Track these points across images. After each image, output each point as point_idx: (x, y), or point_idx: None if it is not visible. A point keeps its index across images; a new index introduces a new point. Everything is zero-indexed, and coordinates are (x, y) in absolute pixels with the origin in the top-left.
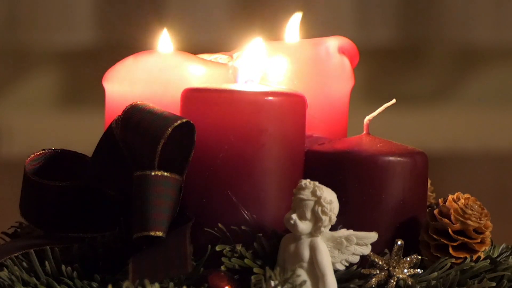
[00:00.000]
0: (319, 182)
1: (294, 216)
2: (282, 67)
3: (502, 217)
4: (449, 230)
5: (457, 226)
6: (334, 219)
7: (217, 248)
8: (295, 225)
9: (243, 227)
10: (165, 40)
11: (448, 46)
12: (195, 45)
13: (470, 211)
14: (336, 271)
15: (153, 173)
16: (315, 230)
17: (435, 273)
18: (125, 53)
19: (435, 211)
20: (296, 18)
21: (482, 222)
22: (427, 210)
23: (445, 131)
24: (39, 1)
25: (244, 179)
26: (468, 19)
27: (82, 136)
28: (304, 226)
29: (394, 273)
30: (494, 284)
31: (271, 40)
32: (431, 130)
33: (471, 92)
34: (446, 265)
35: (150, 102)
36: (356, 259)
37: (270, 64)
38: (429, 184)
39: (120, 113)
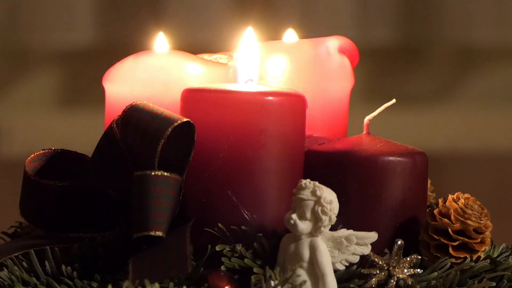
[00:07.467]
0: (319, 182)
1: (294, 216)
2: (282, 67)
3: (502, 217)
4: (449, 230)
5: (457, 226)
6: (334, 219)
7: (217, 248)
8: (295, 225)
9: (243, 227)
10: (161, 42)
11: (448, 46)
12: (195, 45)
13: (470, 211)
14: (336, 271)
15: (153, 173)
16: (315, 230)
17: (435, 273)
18: (125, 53)
19: (435, 211)
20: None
21: (482, 222)
22: (427, 210)
23: (445, 131)
24: (39, 1)
25: (244, 179)
26: (468, 19)
27: (82, 136)
28: (304, 226)
29: (394, 273)
30: (494, 284)
31: (271, 40)
32: (431, 130)
33: (471, 92)
34: (446, 265)
35: (150, 102)
36: (356, 259)
37: (270, 64)
38: (429, 184)
39: (120, 113)
